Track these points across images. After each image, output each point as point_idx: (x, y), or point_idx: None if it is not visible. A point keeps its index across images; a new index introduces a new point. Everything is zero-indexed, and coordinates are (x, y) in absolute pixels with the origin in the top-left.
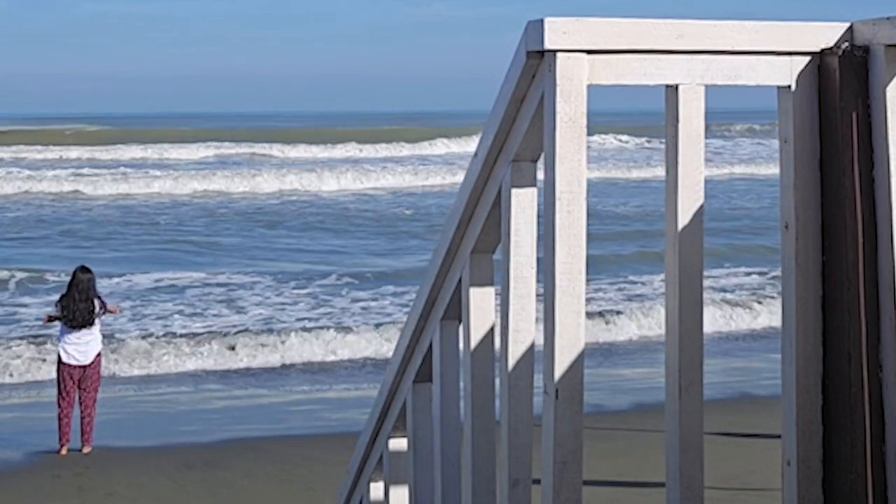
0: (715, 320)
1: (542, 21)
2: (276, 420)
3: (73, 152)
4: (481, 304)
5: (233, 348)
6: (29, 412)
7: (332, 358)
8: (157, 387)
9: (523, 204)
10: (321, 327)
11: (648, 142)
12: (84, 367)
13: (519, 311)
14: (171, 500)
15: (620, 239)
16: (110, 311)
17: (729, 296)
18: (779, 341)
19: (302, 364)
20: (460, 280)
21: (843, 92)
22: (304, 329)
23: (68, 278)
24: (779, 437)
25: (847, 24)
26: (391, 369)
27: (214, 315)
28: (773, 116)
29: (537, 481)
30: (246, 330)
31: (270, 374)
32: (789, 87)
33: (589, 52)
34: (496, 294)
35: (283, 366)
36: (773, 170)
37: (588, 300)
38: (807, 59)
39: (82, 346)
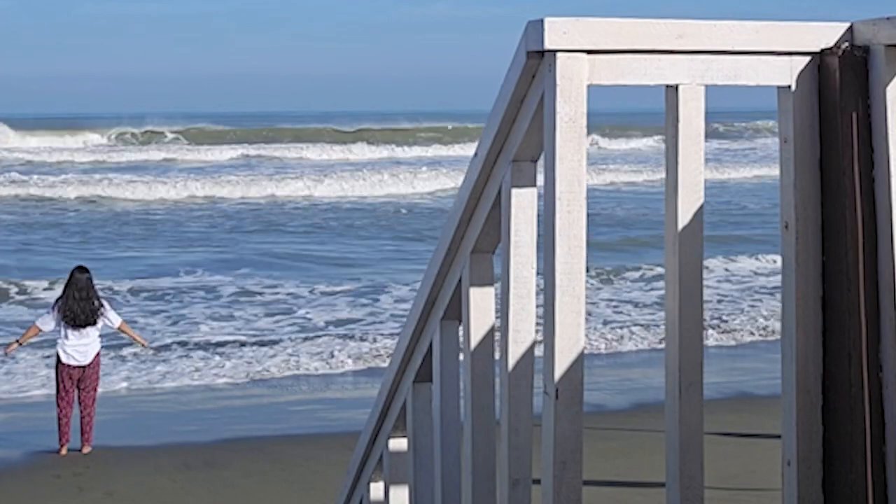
0: None
1: (542, 21)
2: (276, 420)
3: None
4: (481, 304)
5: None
6: (29, 412)
7: None
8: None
9: (523, 204)
10: None
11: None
12: (83, 367)
13: (519, 311)
14: (171, 500)
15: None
16: (139, 342)
17: None
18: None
19: None
20: (460, 280)
21: (843, 92)
22: None
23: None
24: (779, 437)
25: (847, 24)
26: (391, 369)
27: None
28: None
29: (537, 481)
30: None
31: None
32: (789, 87)
33: (589, 52)
34: (496, 294)
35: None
36: None
37: None
38: (807, 59)
39: (81, 347)
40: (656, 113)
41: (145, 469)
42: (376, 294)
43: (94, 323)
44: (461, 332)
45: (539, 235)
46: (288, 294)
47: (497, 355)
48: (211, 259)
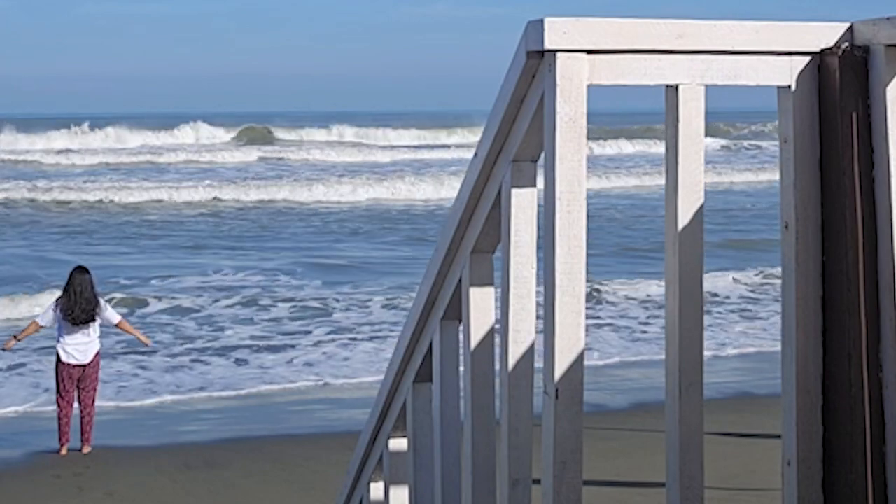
0: None
1: (542, 21)
2: (276, 420)
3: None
4: (481, 304)
5: None
6: (29, 412)
7: None
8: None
9: (523, 204)
10: None
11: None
12: (83, 366)
13: (519, 311)
14: (172, 500)
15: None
16: (142, 341)
17: None
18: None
19: None
20: (460, 280)
21: (843, 92)
22: None
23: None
24: (779, 437)
25: (847, 24)
26: (391, 369)
27: None
28: None
29: (537, 481)
30: None
31: None
32: (789, 87)
33: (589, 52)
34: (496, 294)
35: None
36: None
37: None
38: (807, 59)
39: (81, 346)
40: (629, 114)
41: (145, 469)
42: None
43: (93, 320)
44: (461, 332)
45: (539, 235)
46: None
47: (497, 355)
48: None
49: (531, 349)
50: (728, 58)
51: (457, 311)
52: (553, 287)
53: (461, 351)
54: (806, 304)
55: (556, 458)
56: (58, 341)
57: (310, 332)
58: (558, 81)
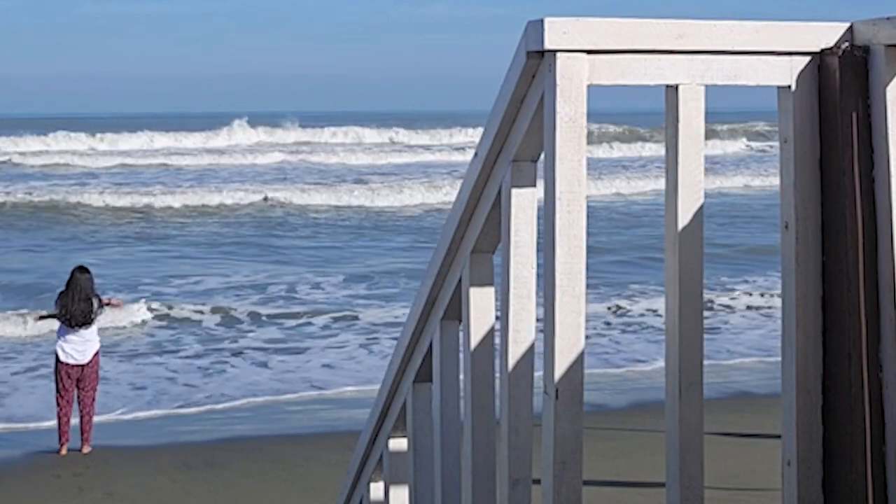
0: None
1: (542, 21)
2: (276, 420)
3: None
4: (481, 304)
5: None
6: (29, 412)
7: None
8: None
9: (523, 204)
10: None
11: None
12: (82, 366)
13: (519, 311)
14: (172, 500)
15: None
16: (114, 306)
17: None
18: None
19: None
20: (460, 280)
21: (843, 92)
22: None
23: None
24: (779, 437)
25: (847, 24)
26: (391, 369)
27: None
28: None
29: (537, 481)
30: None
31: None
32: (789, 87)
33: (589, 52)
34: (496, 294)
35: None
36: None
37: None
38: (807, 59)
39: (80, 346)
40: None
41: (145, 469)
42: None
43: (90, 323)
44: (461, 332)
45: (539, 235)
46: None
47: (497, 355)
48: None
49: (531, 349)
50: (728, 58)
51: (457, 311)
52: (553, 287)
53: (461, 351)
54: (806, 304)
55: (556, 458)
56: (57, 341)
57: None
58: (558, 81)
